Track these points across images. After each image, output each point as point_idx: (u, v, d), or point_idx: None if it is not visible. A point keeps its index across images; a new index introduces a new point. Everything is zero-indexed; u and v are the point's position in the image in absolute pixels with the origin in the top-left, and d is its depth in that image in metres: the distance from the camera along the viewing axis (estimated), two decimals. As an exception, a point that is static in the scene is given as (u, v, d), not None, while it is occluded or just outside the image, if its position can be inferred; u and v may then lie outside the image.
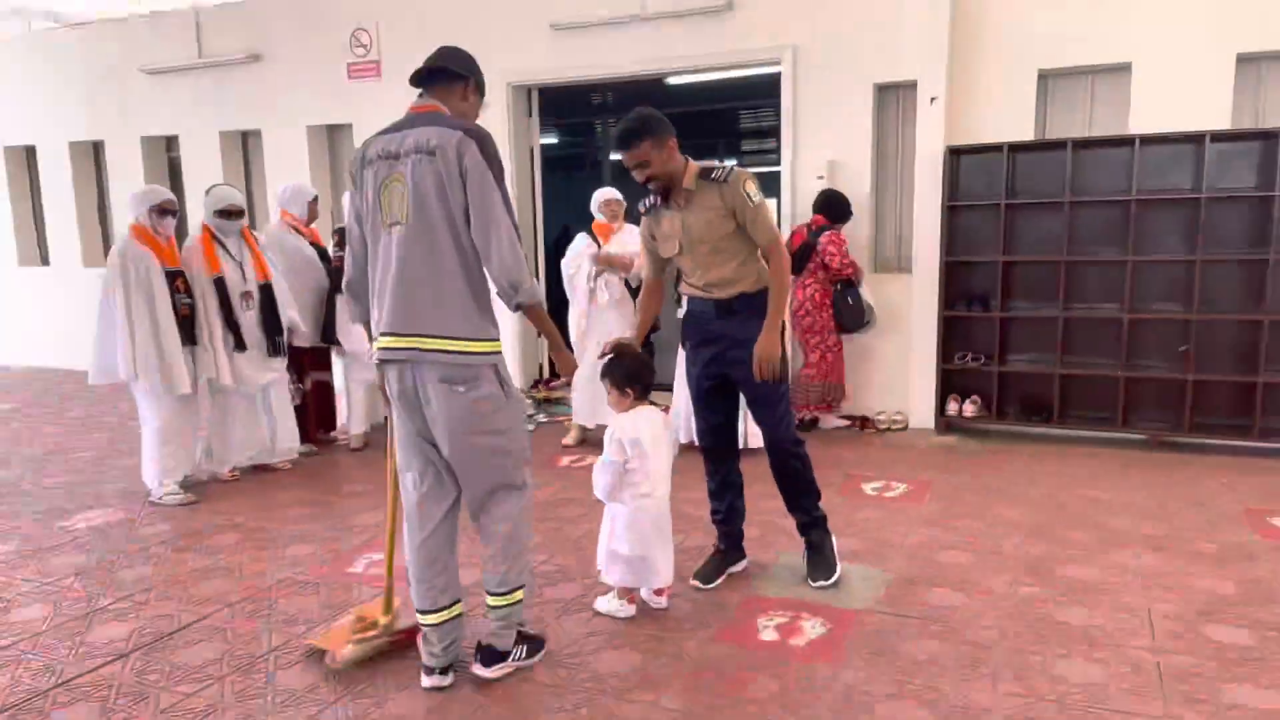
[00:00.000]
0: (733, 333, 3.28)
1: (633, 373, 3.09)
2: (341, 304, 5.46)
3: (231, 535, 4.20)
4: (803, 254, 5.66)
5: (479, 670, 2.78)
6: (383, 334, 2.59)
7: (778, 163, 6.28)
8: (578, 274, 5.42)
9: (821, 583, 3.39)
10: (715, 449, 3.50)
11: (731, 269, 3.23)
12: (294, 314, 5.19)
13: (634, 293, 5.28)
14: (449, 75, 2.67)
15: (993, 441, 5.69)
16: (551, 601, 3.35)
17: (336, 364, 5.82)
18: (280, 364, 5.11)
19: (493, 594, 2.77)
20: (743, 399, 3.48)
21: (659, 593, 3.25)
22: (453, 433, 2.60)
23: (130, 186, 8.39)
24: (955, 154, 5.80)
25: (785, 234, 5.82)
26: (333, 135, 8.04)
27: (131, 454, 5.61)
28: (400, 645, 2.97)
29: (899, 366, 6.03)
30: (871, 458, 5.26)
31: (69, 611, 3.38)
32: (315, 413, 5.76)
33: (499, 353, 2.64)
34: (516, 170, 7.08)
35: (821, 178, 6.04)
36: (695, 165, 3.24)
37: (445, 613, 2.76)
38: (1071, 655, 2.89)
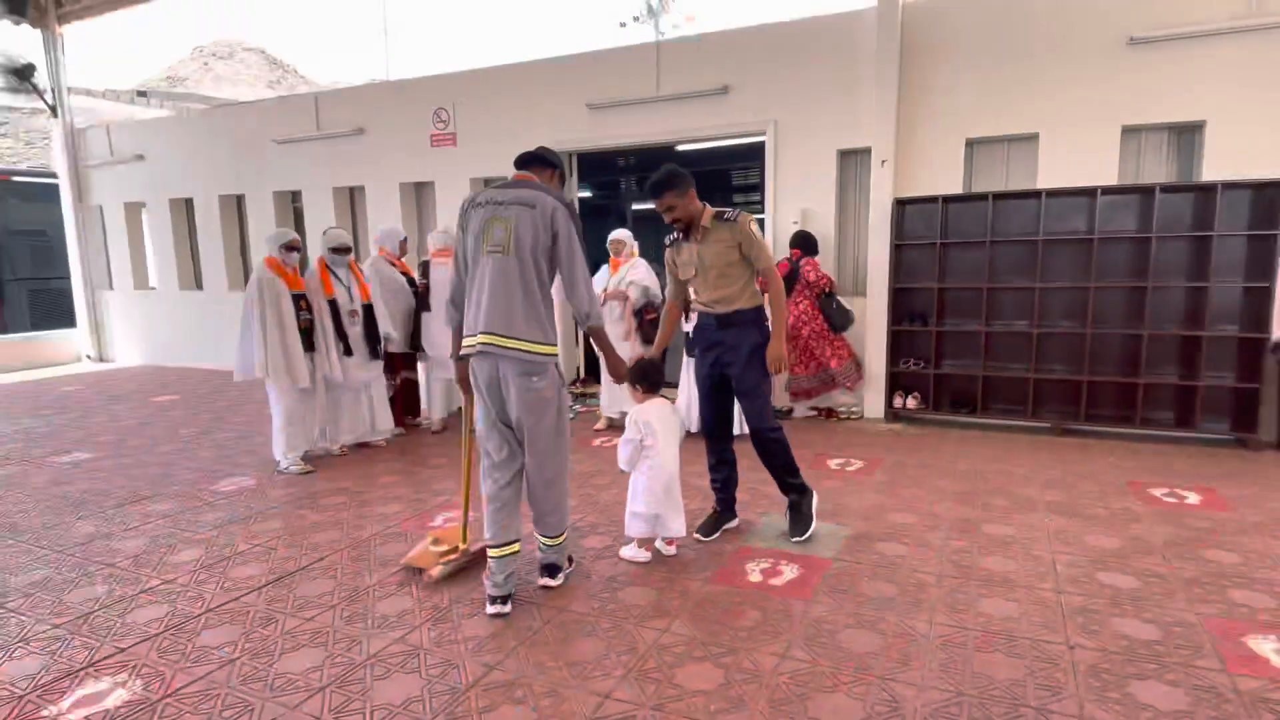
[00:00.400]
0: (730, 340, 3.28)
1: (645, 375, 3.18)
2: (426, 319, 5.45)
3: (340, 497, 4.18)
4: (790, 278, 5.61)
5: (546, 580, 2.94)
6: (480, 333, 2.71)
7: (763, 210, 6.25)
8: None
9: (797, 537, 3.35)
10: (715, 433, 3.49)
11: (733, 290, 3.26)
12: (389, 327, 5.20)
13: (637, 314, 5.27)
14: (543, 162, 2.90)
15: (929, 428, 5.63)
16: (587, 549, 3.34)
17: (420, 366, 5.80)
18: (378, 366, 5.12)
19: (548, 537, 2.93)
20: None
21: (670, 543, 3.28)
22: (525, 412, 2.75)
23: (265, 229, 8.56)
24: (901, 204, 5.73)
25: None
26: (419, 190, 8.05)
27: (264, 435, 5.63)
28: (476, 561, 3.14)
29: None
30: (835, 440, 5.20)
31: (216, 554, 3.39)
32: (403, 403, 5.75)
33: (558, 355, 2.81)
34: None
35: (796, 222, 6.00)
36: (710, 209, 3.28)
37: (508, 548, 2.84)
38: (992, 595, 2.85)
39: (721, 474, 3.51)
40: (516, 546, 2.87)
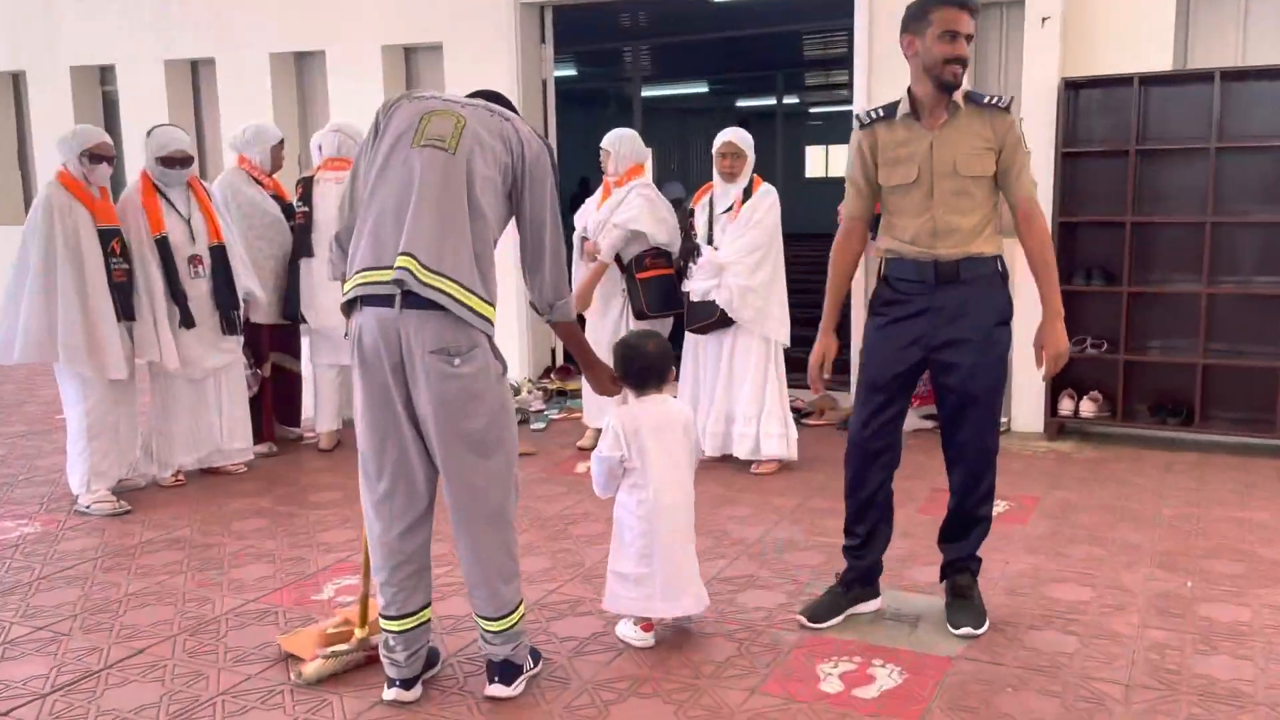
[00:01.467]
0: (954, 307, 3.21)
1: (647, 366, 3.27)
2: (308, 270, 5.49)
3: (172, 553, 4.21)
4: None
5: (497, 689, 2.90)
6: (395, 258, 2.64)
7: (849, 100, 6.21)
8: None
9: (966, 628, 3.32)
10: (875, 451, 3.36)
11: (972, 222, 3.21)
12: (252, 283, 5.24)
13: (628, 266, 5.32)
14: (504, 105, 2.99)
15: (1115, 447, 5.62)
16: (563, 640, 3.34)
17: (304, 345, 5.85)
18: (235, 344, 5.16)
19: (491, 620, 2.91)
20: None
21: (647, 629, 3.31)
22: (441, 410, 2.70)
23: (57, 127, 8.46)
24: (1073, 88, 5.72)
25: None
26: (301, 64, 8.02)
27: (54, 452, 5.63)
28: (376, 661, 3.05)
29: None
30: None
31: None
32: (275, 405, 5.80)
33: (493, 326, 2.78)
34: (525, 108, 7.04)
35: None
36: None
37: (412, 618, 2.89)
38: None
39: (867, 525, 3.44)
40: (428, 614, 2.93)
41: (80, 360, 4.61)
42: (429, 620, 2.94)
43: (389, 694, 2.88)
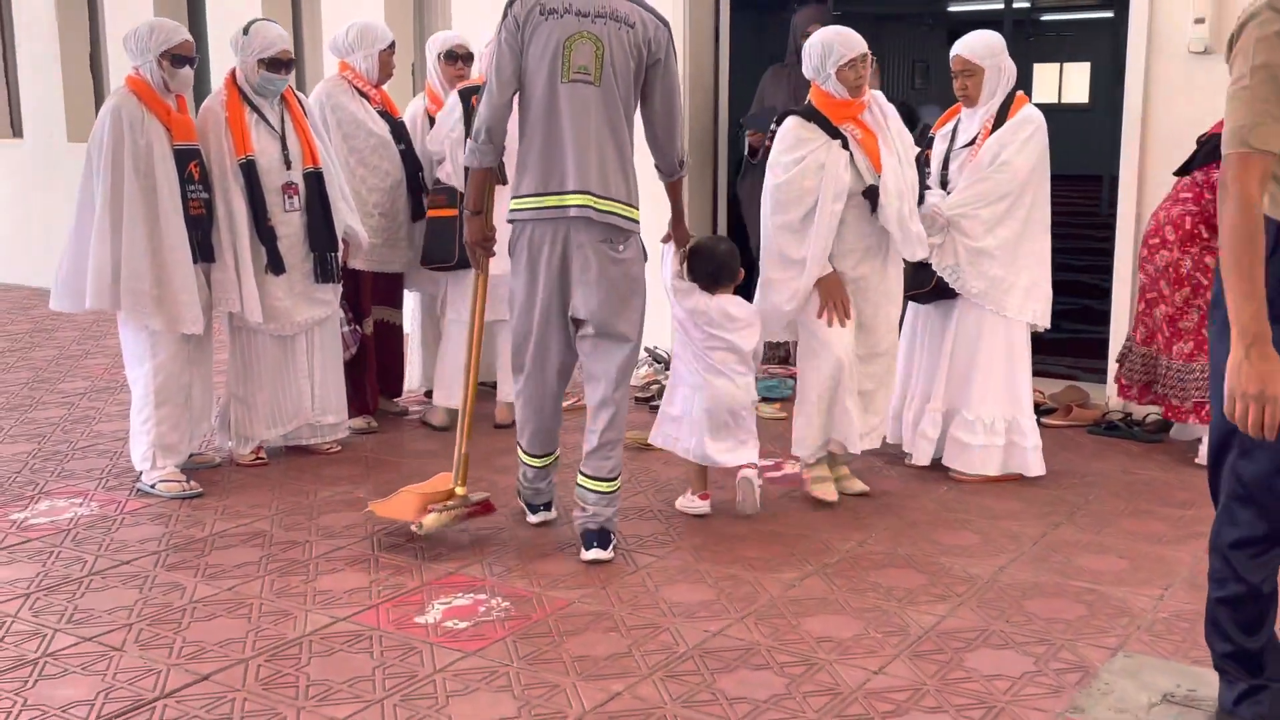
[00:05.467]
0: None
1: (722, 262, 4.42)
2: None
3: (248, 550, 4.18)
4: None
5: (595, 553, 4.02)
6: (571, 191, 3.86)
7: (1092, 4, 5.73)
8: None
9: None
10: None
11: None
12: (353, 220, 5.21)
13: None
14: None
15: None
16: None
17: (410, 300, 5.90)
18: (332, 294, 5.15)
19: (605, 480, 4.06)
20: None
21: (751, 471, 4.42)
22: (608, 296, 3.94)
23: (132, 23, 8.67)
24: None
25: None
26: None
27: (120, 415, 5.67)
28: (477, 515, 4.31)
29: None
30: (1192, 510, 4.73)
31: (5, 657, 3.39)
32: (376, 370, 5.78)
33: (638, 223, 4.06)
34: (693, 7, 6.77)
35: (1201, 21, 5.55)
36: None
37: (548, 458, 4.28)
38: None
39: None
40: (557, 454, 4.31)
41: (147, 310, 4.62)
42: (558, 460, 4.34)
43: (534, 518, 4.36)
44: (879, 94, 4.68)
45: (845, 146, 4.45)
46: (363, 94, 5.53)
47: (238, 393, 5.05)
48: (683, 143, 4.19)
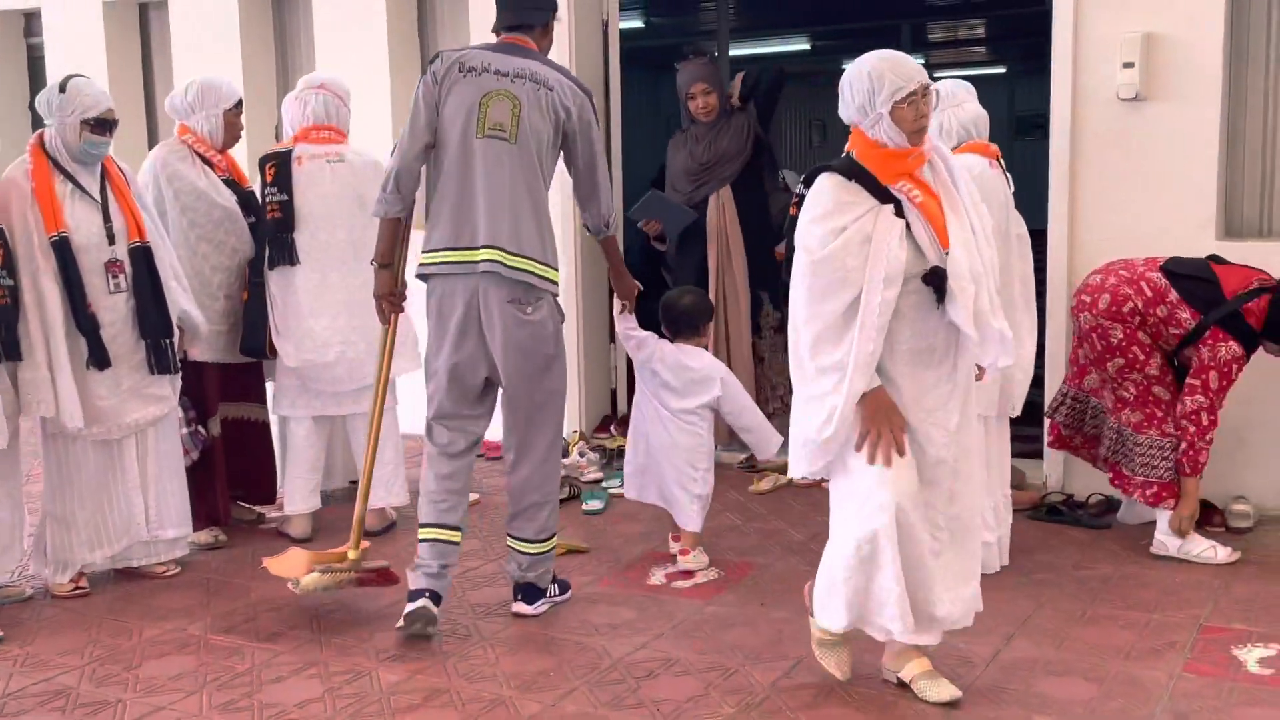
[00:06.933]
0: None
1: (689, 310, 4.85)
2: (284, 285, 5.14)
3: (45, 717, 3.75)
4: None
5: (522, 609, 4.25)
6: (482, 246, 4.02)
7: (984, 60, 5.47)
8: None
9: None
10: None
11: None
12: (187, 303, 4.90)
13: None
14: (535, 8, 4.27)
15: None
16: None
17: (270, 390, 5.49)
18: (170, 388, 4.82)
19: (531, 542, 4.25)
20: None
21: (676, 541, 4.76)
22: (515, 355, 4.08)
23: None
24: None
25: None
26: (278, 7, 7.93)
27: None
28: (368, 584, 4.35)
29: (1271, 421, 5.33)
30: (1236, 591, 4.57)
31: None
32: (232, 472, 5.41)
33: (557, 285, 4.22)
34: (580, 67, 6.64)
35: (1130, 65, 5.45)
36: None
37: (449, 531, 4.19)
38: None
39: None
40: (460, 535, 4.23)
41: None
42: (460, 542, 4.23)
43: (411, 606, 4.02)
44: (939, 143, 3.81)
45: (899, 213, 3.47)
46: (205, 160, 5.19)
47: (54, 511, 4.66)
48: (610, 201, 4.43)
